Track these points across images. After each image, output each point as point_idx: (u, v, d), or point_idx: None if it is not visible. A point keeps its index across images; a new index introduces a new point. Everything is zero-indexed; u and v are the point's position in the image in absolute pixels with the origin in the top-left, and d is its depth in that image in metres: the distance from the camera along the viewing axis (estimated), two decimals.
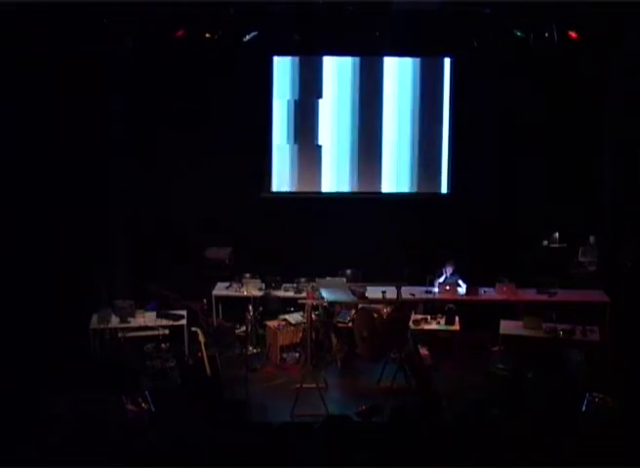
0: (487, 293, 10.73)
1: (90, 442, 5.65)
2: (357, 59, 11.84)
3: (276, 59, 11.84)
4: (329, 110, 11.99)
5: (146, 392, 7.76)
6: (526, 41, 10.32)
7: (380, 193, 12.12)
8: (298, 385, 8.62)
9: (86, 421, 6.36)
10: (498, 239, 11.56)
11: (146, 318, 9.95)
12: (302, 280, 11.01)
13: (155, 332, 9.71)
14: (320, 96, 11.94)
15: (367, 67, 11.88)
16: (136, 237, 11.36)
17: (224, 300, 10.98)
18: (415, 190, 12.12)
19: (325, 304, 9.77)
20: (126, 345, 9.70)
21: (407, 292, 9.98)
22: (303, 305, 9.41)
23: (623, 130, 11.17)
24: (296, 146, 12.07)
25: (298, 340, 10.06)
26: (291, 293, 10.83)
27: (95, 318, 9.74)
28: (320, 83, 11.91)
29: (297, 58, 11.83)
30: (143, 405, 7.55)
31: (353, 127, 12.01)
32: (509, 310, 10.41)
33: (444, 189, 12.12)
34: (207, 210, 11.50)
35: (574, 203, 11.47)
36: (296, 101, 11.95)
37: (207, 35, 10.42)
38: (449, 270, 10.84)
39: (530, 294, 10.68)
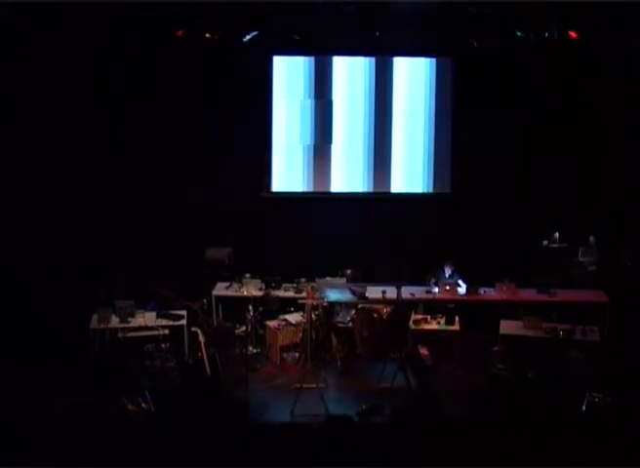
0: (487, 293, 10.72)
1: (90, 442, 5.64)
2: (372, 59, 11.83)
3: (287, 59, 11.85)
4: (339, 111, 12.01)
5: (146, 392, 7.76)
6: (526, 41, 10.33)
7: (381, 193, 12.11)
8: (298, 385, 8.61)
9: (86, 421, 6.36)
10: (498, 239, 11.56)
11: (146, 318, 9.94)
12: (302, 280, 11.00)
13: (155, 332, 9.69)
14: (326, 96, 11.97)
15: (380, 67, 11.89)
16: (136, 236, 11.36)
17: (224, 300, 10.97)
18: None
19: (325, 304, 9.77)
20: (126, 345, 9.69)
21: (407, 292, 9.97)
22: (303, 305, 9.41)
23: (623, 130, 11.17)
24: (300, 146, 12.08)
25: (298, 340, 10.05)
26: (291, 293, 10.82)
27: (95, 318, 9.73)
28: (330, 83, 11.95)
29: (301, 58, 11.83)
30: (143, 405, 7.55)
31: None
32: (509, 310, 10.40)
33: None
34: (207, 210, 11.50)
35: (574, 203, 11.48)
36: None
37: (207, 35, 10.45)
38: (447, 270, 10.85)
39: (530, 294, 10.67)
